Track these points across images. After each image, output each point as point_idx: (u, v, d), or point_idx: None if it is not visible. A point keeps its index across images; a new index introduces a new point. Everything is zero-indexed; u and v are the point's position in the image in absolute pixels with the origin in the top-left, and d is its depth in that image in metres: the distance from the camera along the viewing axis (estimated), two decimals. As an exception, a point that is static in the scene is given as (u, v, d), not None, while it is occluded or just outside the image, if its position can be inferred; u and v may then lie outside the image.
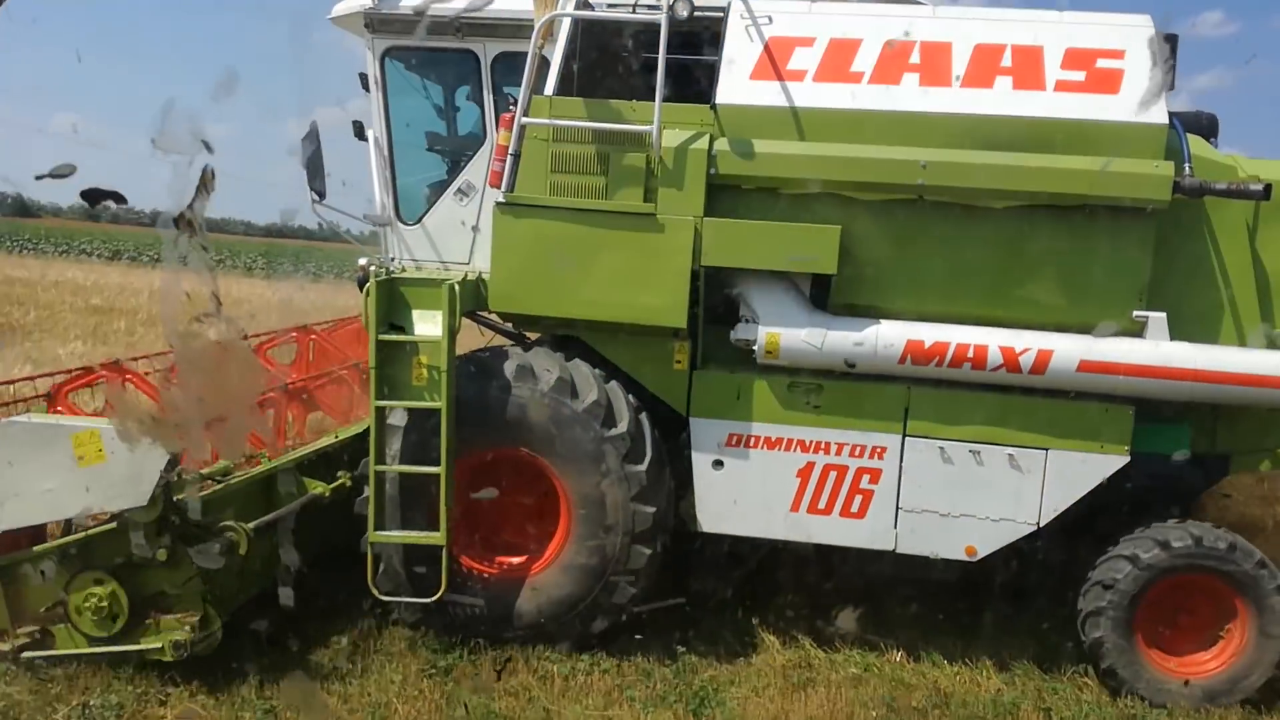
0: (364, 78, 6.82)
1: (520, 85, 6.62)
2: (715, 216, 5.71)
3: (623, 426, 5.76)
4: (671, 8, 5.61)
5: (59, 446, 4.95)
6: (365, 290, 5.64)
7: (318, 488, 6.03)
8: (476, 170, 6.70)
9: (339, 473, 6.26)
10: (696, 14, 5.95)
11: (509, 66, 6.60)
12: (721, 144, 5.70)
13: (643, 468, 5.76)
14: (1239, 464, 6.15)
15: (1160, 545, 5.63)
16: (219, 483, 5.52)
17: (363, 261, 6.74)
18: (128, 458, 4.92)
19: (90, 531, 5.14)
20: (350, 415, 8.22)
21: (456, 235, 6.75)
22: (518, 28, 6.48)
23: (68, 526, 5.37)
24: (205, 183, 4.35)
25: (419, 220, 6.81)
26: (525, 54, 6.47)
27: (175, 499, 5.10)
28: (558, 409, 5.72)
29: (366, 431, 6.47)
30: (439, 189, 6.81)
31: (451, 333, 5.56)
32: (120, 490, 4.96)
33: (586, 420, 5.71)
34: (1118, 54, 5.66)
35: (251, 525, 5.30)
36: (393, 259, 6.77)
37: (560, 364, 5.83)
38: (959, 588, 6.50)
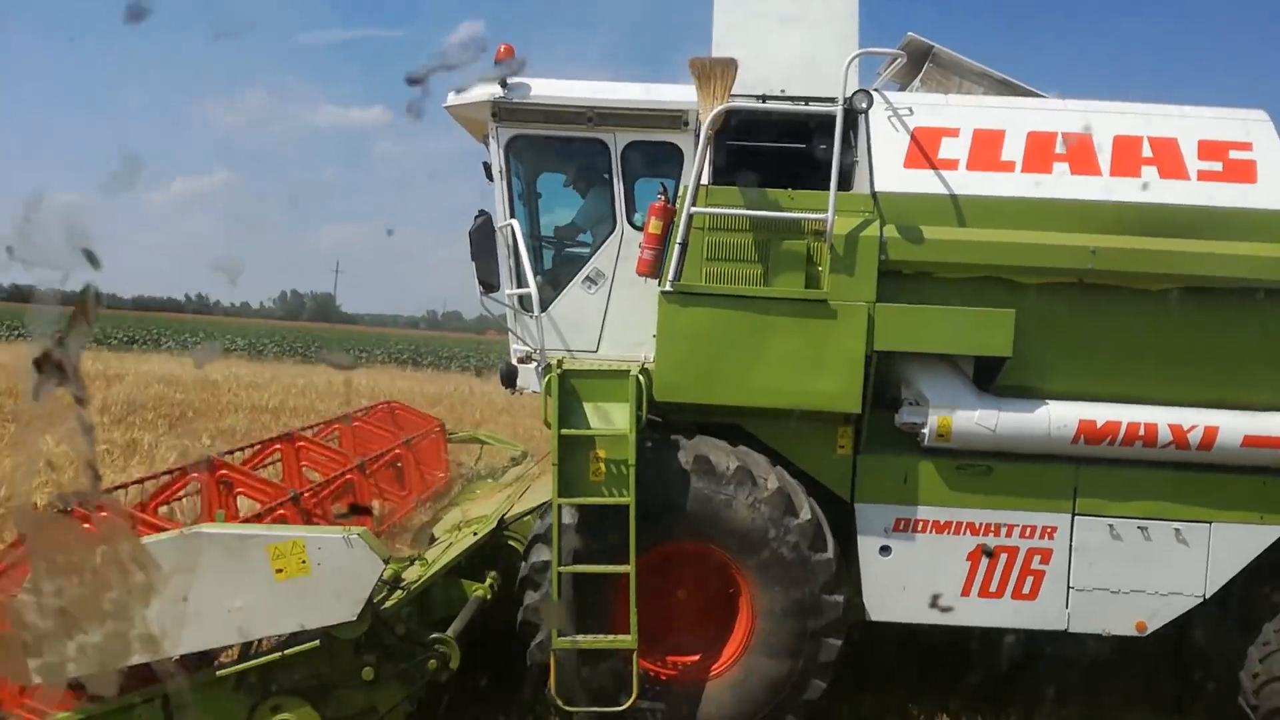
0: (487, 167, 6.69)
1: (648, 174, 6.68)
2: (884, 301, 5.75)
3: (805, 515, 5.67)
4: (850, 100, 5.71)
5: (253, 559, 4.58)
6: (545, 384, 5.48)
7: (478, 589, 5.73)
8: (605, 258, 6.60)
9: (488, 572, 5.98)
10: (815, 105, 6.12)
11: (639, 155, 6.58)
12: (890, 230, 5.77)
13: (829, 555, 5.66)
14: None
15: None
16: (400, 589, 5.17)
17: (517, 355, 6.54)
18: (336, 568, 4.59)
19: (288, 652, 4.73)
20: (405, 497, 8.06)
21: (585, 323, 6.61)
22: (649, 117, 6.50)
23: (245, 649, 4.94)
24: (85, 312, 3.09)
25: (545, 309, 6.64)
26: (656, 143, 6.54)
27: (382, 610, 4.77)
28: (770, 520, 5.63)
29: (496, 526, 6.25)
30: (566, 277, 6.67)
31: (639, 425, 5.41)
32: (327, 605, 4.61)
33: (798, 539, 5.63)
34: (1246, 146, 5.96)
35: (450, 633, 4.98)
36: (544, 350, 6.55)
37: (740, 454, 5.73)
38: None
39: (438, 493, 9.15)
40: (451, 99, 6.71)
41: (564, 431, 5.39)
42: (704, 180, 5.94)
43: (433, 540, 6.75)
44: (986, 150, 5.95)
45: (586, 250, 6.76)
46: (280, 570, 4.57)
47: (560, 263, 6.87)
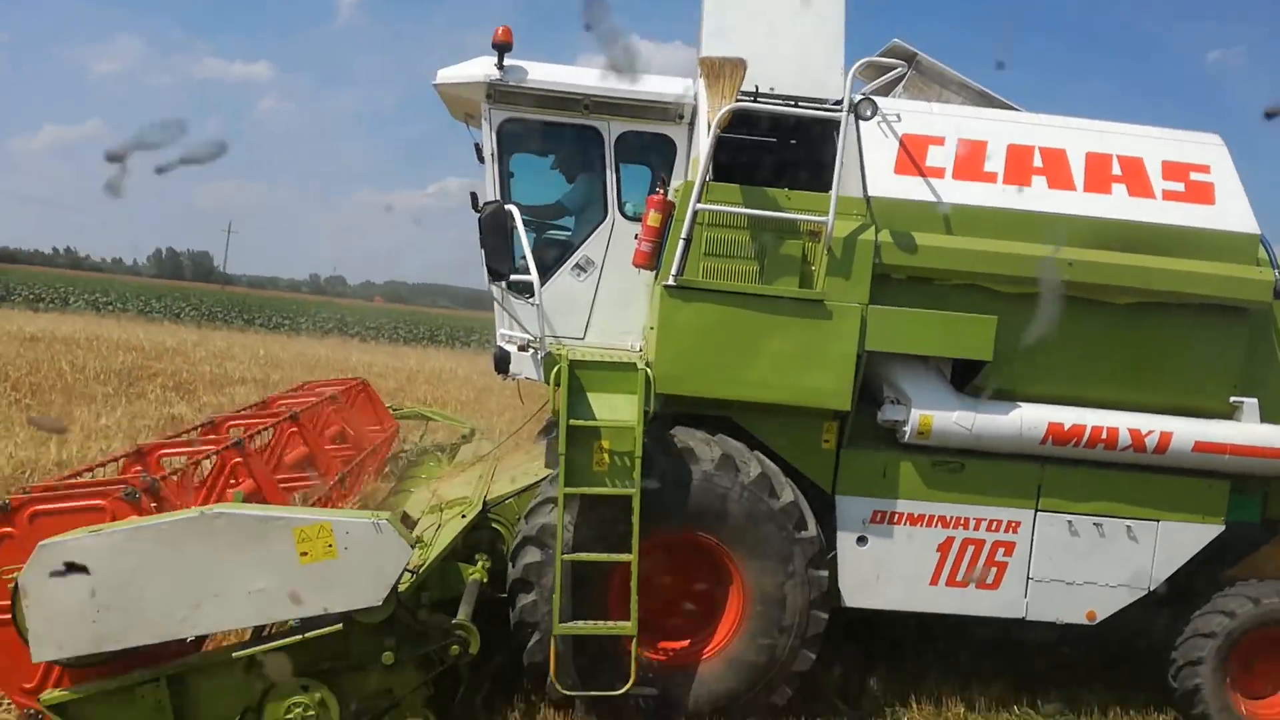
0: (478, 148, 6.66)
1: (638, 163, 6.76)
2: (876, 304, 5.98)
3: (786, 498, 5.88)
4: (855, 107, 5.87)
5: (276, 541, 4.54)
6: (553, 375, 5.54)
7: (474, 572, 5.77)
8: (595, 246, 6.67)
9: (476, 555, 6.03)
10: (807, 107, 6.29)
11: (631, 145, 6.65)
12: (884, 235, 6.00)
13: (812, 533, 5.90)
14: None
15: (1252, 601, 6.35)
16: (409, 572, 5.17)
17: (511, 341, 6.53)
18: (363, 553, 4.59)
19: (309, 635, 4.70)
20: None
21: (573, 310, 6.67)
22: (644, 108, 6.57)
23: (256, 631, 4.89)
24: None
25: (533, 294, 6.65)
26: (649, 134, 6.63)
27: (402, 594, 4.78)
28: (755, 504, 5.80)
29: (482, 509, 6.29)
30: (554, 263, 6.70)
31: (645, 417, 5.52)
32: (352, 589, 4.60)
33: (782, 520, 5.82)
34: (1205, 169, 6.38)
35: (463, 617, 5.03)
36: (546, 339, 6.57)
37: (759, 458, 5.92)
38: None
39: (389, 444, 9.12)
40: (443, 75, 6.65)
41: (572, 422, 5.45)
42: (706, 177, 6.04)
43: (408, 520, 6.73)
44: (970, 160, 6.22)
45: (570, 235, 6.81)
46: (305, 554, 4.54)
47: (544, 247, 6.88)
